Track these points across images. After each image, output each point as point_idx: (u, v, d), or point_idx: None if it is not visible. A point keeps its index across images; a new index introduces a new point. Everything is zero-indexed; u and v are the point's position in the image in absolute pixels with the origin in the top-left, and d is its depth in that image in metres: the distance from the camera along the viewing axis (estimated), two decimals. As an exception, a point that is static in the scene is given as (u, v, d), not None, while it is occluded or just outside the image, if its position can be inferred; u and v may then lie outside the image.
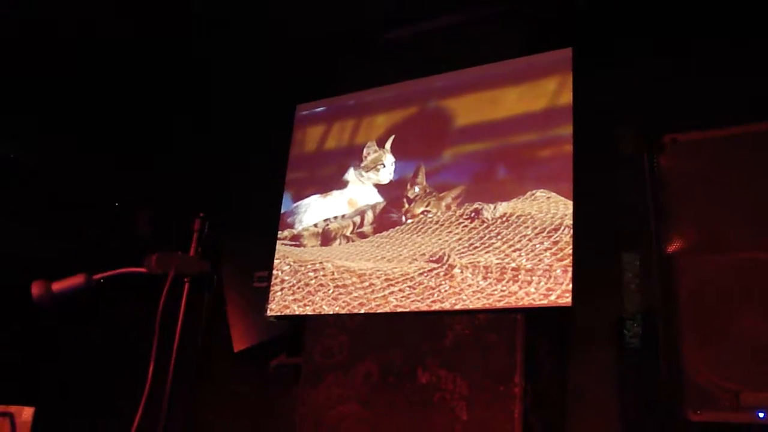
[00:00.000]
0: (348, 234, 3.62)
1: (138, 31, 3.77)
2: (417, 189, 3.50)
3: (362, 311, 3.29)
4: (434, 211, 3.40)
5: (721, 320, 1.99)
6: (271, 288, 3.65)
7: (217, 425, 3.82)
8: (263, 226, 3.87)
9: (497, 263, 3.07)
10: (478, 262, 3.12)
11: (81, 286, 2.10)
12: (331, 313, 3.37)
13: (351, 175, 3.75)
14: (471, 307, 3.04)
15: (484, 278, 3.07)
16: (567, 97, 3.21)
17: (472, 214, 3.27)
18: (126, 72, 4.06)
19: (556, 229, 3.01)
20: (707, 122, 2.38)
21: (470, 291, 3.08)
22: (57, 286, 2.12)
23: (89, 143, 4.21)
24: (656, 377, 2.74)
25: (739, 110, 2.63)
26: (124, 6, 3.61)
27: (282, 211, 3.87)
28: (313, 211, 3.79)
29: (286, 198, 3.89)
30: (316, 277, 3.54)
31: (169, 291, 1.89)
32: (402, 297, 3.24)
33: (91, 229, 4.16)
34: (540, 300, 2.91)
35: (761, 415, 1.89)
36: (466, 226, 3.26)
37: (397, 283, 3.28)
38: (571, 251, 2.93)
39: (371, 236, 3.54)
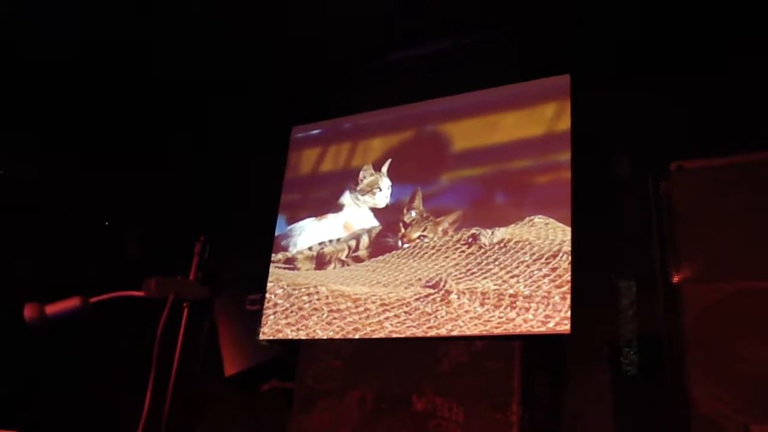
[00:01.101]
0: (343, 258, 3.58)
1: (137, 52, 3.75)
2: (414, 213, 3.47)
3: (357, 336, 3.25)
4: (431, 236, 3.37)
5: (729, 350, 1.96)
6: (264, 311, 3.60)
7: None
8: (256, 249, 3.83)
9: (495, 289, 3.05)
10: (476, 288, 3.09)
11: (76, 310, 2.05)
12: (325, 337, 3.32)
13: (347, 198, 3.72)
14: (468, 333, 3.01)
15: (482, 304, 3.05)
16: (565, 124, 3.22)
17: (470, 240, 3.24)
18: (122, 93, 4.04)
19: (554, 256, 3.00)
20: (708, 150, 2.37)
21: (467, 317, 3.05)
22: (51, 309, 2.06)
23: (83, 163, 4.17)
24: (653, 405, 2.73)
25: (743, 138, 2.63)
26: (126, 25, 3.60)
27: (276, 233, 3.83)
28: (307, 234, 3.75)
29: (281, 221, 3.86)
30: (310, 301, 3.50)
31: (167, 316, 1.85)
32: (397, 323, 3.20)
33: (82, 249, 4.10)
34: (538, 327, 2.89)
35: (770, 448, 1.86)
36: (463, 251, 3.23)
37: (393, 308, 3.25)
38: (569, 278, 2.92)
39: (367, 260, 3.50)
